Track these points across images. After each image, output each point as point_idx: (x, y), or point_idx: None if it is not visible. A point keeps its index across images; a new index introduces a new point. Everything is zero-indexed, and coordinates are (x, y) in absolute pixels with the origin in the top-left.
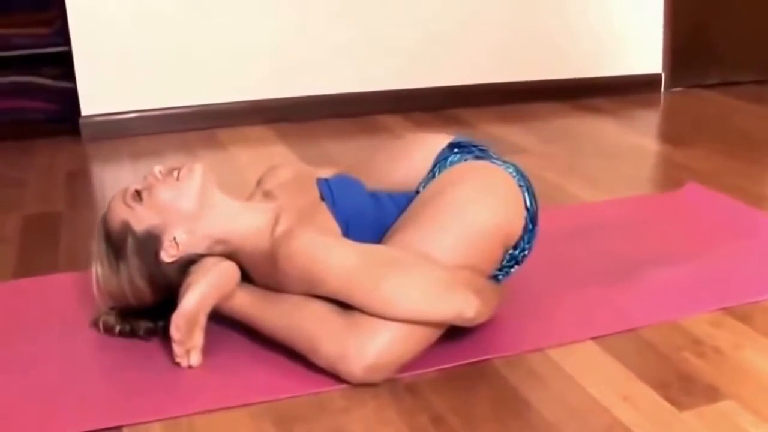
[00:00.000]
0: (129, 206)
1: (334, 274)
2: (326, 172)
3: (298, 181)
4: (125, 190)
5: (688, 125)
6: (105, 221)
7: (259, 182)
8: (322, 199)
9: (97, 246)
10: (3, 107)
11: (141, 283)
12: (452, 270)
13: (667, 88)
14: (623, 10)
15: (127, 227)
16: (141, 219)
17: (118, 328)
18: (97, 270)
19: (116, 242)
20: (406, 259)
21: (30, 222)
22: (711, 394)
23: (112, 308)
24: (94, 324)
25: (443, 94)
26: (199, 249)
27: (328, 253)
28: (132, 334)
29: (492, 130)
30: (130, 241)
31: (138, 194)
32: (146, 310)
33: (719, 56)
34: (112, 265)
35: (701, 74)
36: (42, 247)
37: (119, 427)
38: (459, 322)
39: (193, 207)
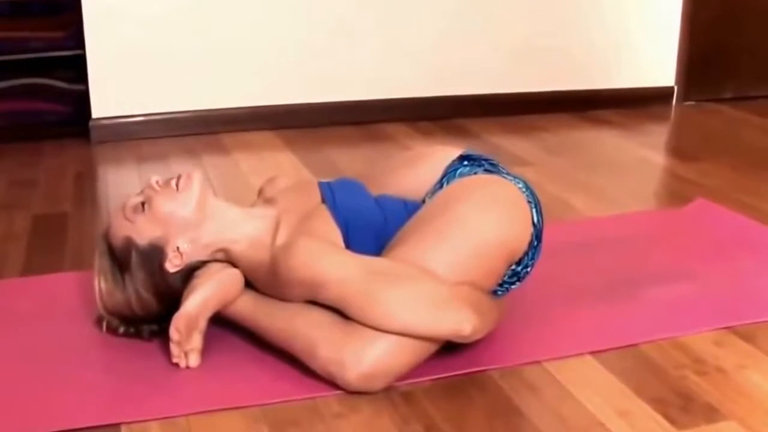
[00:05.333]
0: (130, 220)
1: (333, 285)
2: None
3: (299, 186)
4: (124, 205)
5: (699, 140)
6: (107, 237)
7: (259, 193)
8: (324, 201)
9: (100, 262)
10: (17, 108)
11: (147, 296)
12: (452, 285)
13: (679, 101)
14: (638, 22)
15: (130, 242)
16: (142, 232)
17: (122, 329)
18: (101, 286)
19: (120, 257)
20: (405, 272)
21: (38, 221)
22: (710, 413)
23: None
24: (98, 323)
25: (449, 103)
26: (203, 257)
27: (330, 264)
28: (136, 335)
29: (497, 141)
30: (134, 255)
31: (139, 207)
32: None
33: (736, 69)
34: (117, 280)
35: (716, 88)
36: (49, 246)
37: (117, 425)
38: (456, 339)
39: (193, 215)
